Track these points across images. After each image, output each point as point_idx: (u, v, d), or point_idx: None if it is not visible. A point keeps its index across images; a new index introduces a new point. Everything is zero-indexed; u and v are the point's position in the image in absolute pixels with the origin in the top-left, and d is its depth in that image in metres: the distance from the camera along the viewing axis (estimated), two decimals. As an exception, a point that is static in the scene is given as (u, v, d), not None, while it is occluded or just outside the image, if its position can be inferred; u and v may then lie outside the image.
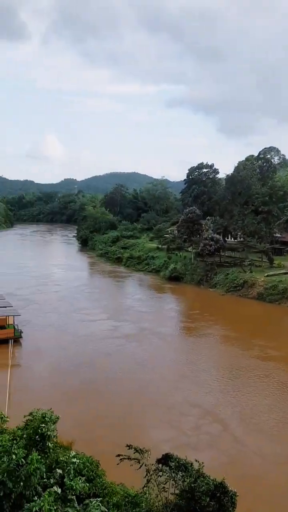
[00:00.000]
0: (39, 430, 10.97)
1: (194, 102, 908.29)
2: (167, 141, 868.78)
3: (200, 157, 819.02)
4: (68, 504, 10.19)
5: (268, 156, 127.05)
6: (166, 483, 14.51)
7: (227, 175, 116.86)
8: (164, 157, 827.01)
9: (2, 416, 12.72)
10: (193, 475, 14.14)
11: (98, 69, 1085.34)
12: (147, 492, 13.97)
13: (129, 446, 15.09)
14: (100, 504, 10.88)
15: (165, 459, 15.29)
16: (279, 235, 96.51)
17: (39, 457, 10.66)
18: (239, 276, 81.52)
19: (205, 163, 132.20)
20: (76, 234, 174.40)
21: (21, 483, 9.88)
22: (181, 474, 14.60)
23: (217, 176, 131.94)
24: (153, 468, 14.90)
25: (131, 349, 50.05)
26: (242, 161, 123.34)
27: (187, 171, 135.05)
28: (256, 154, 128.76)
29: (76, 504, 10.45)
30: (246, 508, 19.43)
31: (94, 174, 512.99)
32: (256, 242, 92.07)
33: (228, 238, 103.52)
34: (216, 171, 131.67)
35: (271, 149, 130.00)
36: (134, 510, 12.81)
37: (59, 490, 10.23)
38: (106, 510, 11.27)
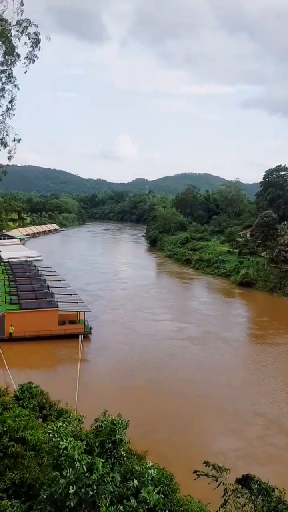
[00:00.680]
0: (111, 437, 9.49)
1: (271, 103, 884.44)
2: (240, 143, 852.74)
3: (276, 159, 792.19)
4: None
5: None
6: (245, 505, 12.94)
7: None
8: (237, 159, 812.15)
9: (79, 417, 11.44)
10: (274, 501, 12.80)
11: (174, 70, 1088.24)
12: (225, 513, 12.29)
13: (207, 463, 13.48)
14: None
15: (246, 480, 13.95)
16: None
17: (109, 465, 9.31)
18: None
19: (283, 165, 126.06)
20: (145, 234, 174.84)
21: (91, 492, 8.66)
22: (261, 498, 13.19)
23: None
24: (232, 489, 13.23)
25: (195, 352, 49.30)
26: None
27: (264, 173, 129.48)
28: None
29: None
30: None
31: (165, 174, 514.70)
32: None
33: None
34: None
35: None
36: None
37: (135, 504, 8.84)
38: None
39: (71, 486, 8.95)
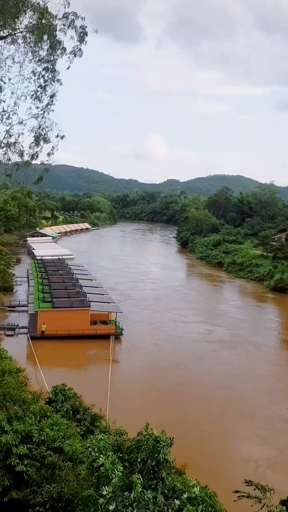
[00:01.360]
0: (154, 454, 8.80)
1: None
2: (274, 145, 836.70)
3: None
4: None
5: None
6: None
7: None
8: (271, 161, 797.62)
9: (122, 431, 10.85)
10: None
11: (208, 71, 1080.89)
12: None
13: (249, 482, 12.48)
14: None
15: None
16: None
17: (152, 484, 8.63)
18: None
19: None
20: (176, 235, 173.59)
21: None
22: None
23: None
24: (277, 511, 12.30)
25: (224, 355, 48.66)
26: None
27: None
28: None
29: None
30: None
31: (197, 175, 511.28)
32: None
33: None
34: None
35: None
36: None
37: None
38: None
39: (110, 505, 8.36)
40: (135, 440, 10.45)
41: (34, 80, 15.06)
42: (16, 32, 14.56)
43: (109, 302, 54.52)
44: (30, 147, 13.96)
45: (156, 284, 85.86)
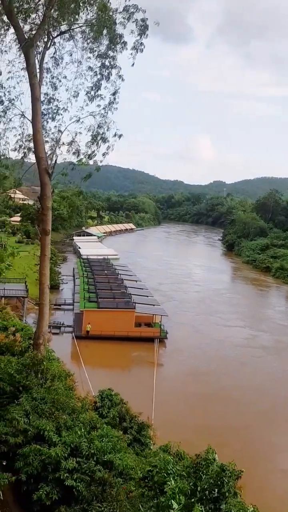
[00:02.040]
0: (218, 482, 7.98)
1: None
2: None
3: None
4: None
5: None
6: None
7: None
8: None
9: (182, 454, 10.14)
10: None
11: (259, 72, 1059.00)
12: None
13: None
14: None
15: None
16: None
17: None
18: None
19: None
20: (221, 238, 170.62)
21: None
22: None
23: None
24: None
25: (267, 362, 47.47)
26: None
27: None
28: None
29: None
30: None
31: (244, 177, 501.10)
32: None
33: None
34: None
35: None
36: None
37: None
38: None
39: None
40: (194, 463, 9.67)
41: (91, 76, 14.65)
42: (75, 27, 14.19)
43: (154, 305, 53.84)
44: (87, 146, 13.54)
45: (200, 287, 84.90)
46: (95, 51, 14.09)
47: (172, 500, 7.92)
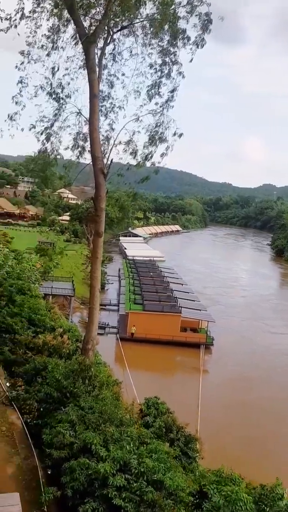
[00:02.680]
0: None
1: None
2: None
3: None
4: None
5: None
6: None
7: None
8: None
9: (237, 477, 9.39)
10: None
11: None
12: None
13: None
14: None
15: None
16: None
17: None
18: None
19: None
20: (270, 242, 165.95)
21: None
22: None
23: None
24: None
25: None
26: None
27: None
28: None
29: None
30: None
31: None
32: None
33: None
34: None
35: None
36: None
37: None
38: None
39: None
40: (257, 493, 8.81)
41: (151, 74, 14.04)
42: (136, 22, 13.64)
43: (200, 310, 52.78)
44: (144, 146, 12.95)
45: (246, 292, 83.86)
46: (155, 47, 13.47)
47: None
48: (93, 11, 13.33)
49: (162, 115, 12.99)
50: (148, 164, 13.36)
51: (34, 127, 13.29)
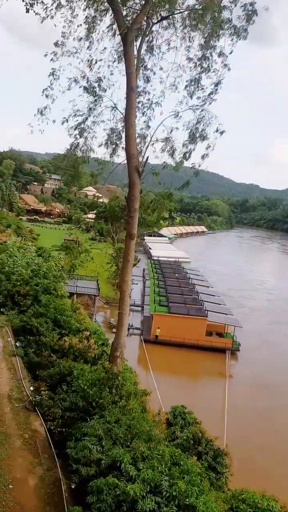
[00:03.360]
0: None
1: None
2: None
3: None
4: None
5: None
6: None
7: None
8: None
9: (272, 506, 8.49)
10: None
11: None
12: None
13: None
14: None
15: None
16: None
17: None
18: None
19: None
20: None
21: None
22: None
23: None
24: None
25: None
26: None
27: None
28: None
29: None
30: None
31: None
32: None
33: None
34: None
35: None
36: None
37: None
38: None
39: None
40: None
41: (190, 68, 13.26)
42: (176, 12, 12.87)
43: (227, 314, 51.42)
44: (183, 144, 12.16)
45: (272, 295, 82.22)
46: (195, 40, 12.69)
47: None
48: (132, 1, 12.65)
49: (203, 110, 12.16)
50: (187, 164, 12.60)
51: (66, 121, 12.69)
